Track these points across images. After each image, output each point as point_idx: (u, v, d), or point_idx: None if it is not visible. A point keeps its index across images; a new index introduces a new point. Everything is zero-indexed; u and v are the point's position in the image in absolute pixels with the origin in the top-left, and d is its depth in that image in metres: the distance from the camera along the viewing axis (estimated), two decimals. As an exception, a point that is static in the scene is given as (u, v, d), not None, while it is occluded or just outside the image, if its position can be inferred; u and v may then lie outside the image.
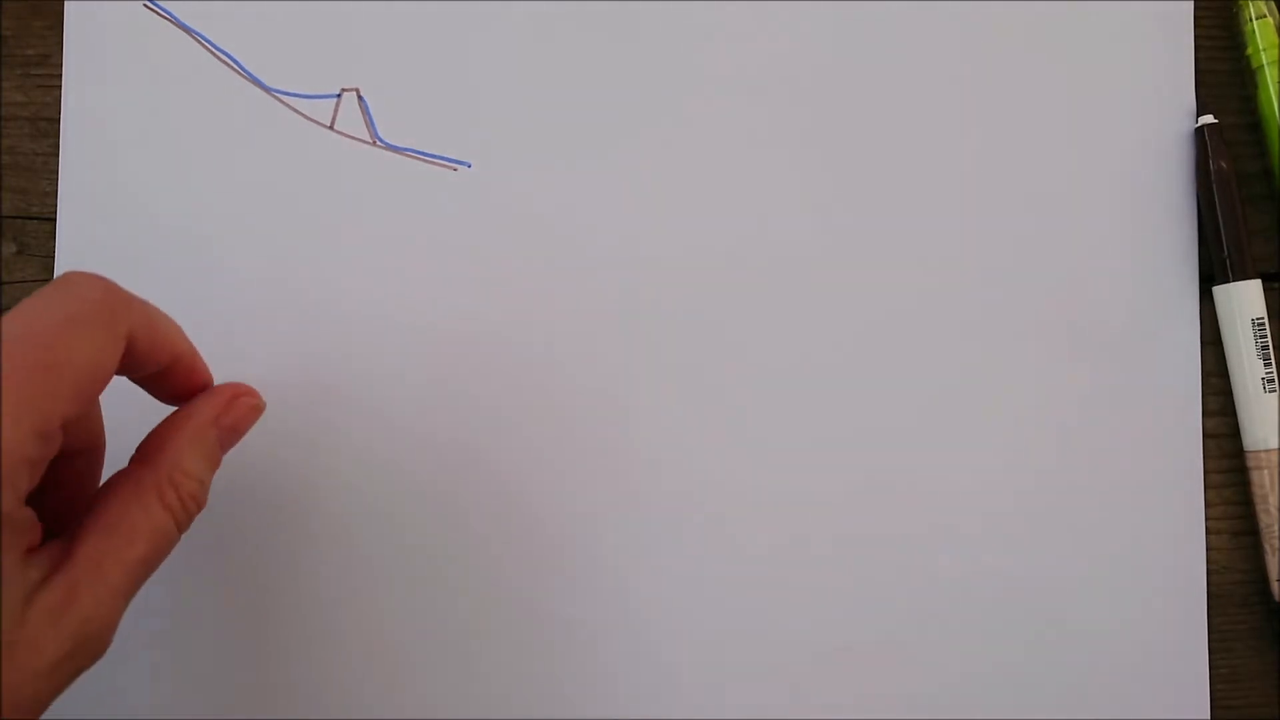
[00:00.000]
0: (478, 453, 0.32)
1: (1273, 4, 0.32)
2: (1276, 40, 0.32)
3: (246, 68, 0.32)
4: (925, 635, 0.32)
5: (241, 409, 0.27)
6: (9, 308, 0.32)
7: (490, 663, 0.31)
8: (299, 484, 0.32)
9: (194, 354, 0.27)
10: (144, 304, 0.25)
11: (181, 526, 0.25)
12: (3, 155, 0.33)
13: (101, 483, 0.26)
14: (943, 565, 0.32)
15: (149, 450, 0.25)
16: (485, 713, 0.31)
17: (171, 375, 0.26)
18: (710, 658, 0.32)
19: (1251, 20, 0.32)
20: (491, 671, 0.31)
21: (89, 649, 0.23)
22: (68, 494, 0.26)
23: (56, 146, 0.32)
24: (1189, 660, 0.32)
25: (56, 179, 0.32)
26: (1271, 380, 0.31)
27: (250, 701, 0.31)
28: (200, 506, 0.26)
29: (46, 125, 0.33)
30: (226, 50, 0.32)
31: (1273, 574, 0.31)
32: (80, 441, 0.25)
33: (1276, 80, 0.32)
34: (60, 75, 0.32)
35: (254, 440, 0.31)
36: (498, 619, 0.32)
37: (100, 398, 0.24)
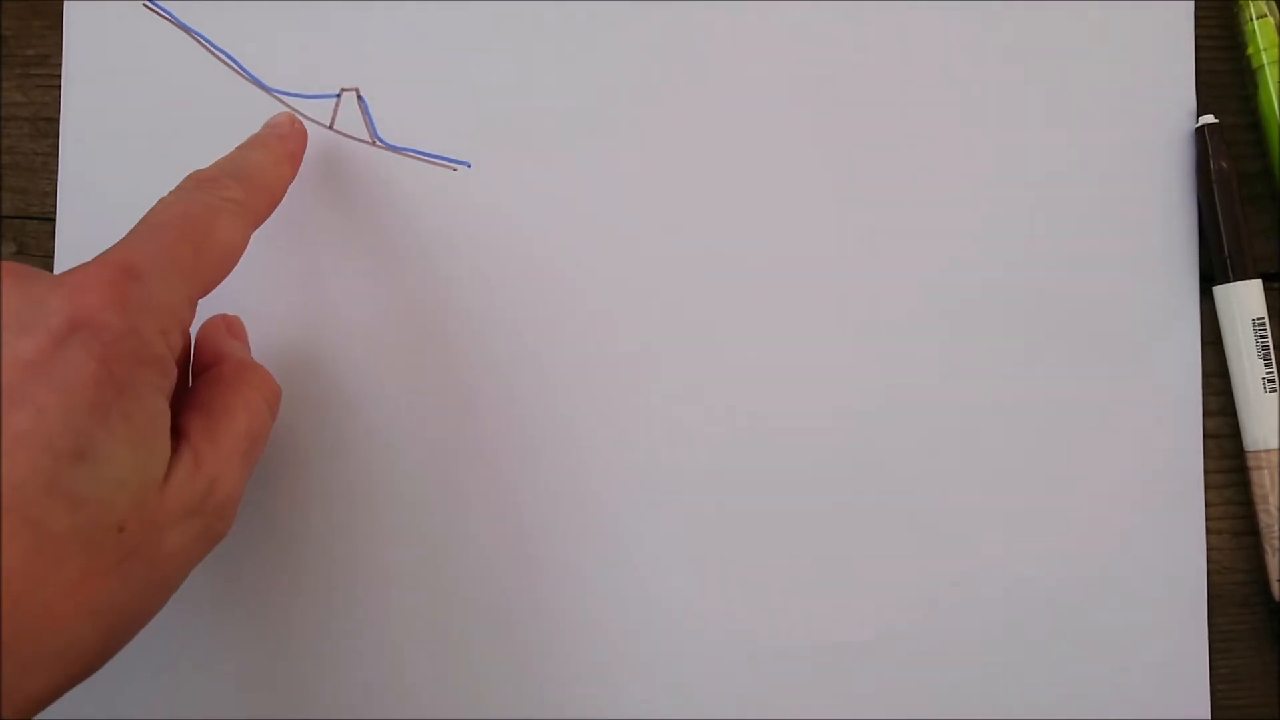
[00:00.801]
0: (478, 452, 0.32)
1: (1273, 4, 0.32)
2: (1276, 40, 0.32)
3: (246, 68, 0.32)
4: (925, 635, 0.32)
5: (233, 319, 0.30)
6: (9, 308, 0.32)
7: (489, 662, 0.31)
8: (297, 483, 0.32)
9: (284, 181, 0.30)
10: (266, 186, 0.29)
11: (271, 405, 0.28)
12: (3, 155, 0.33)
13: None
14: (942, 565, 0.32)
15: (210, 351, 0.29)
16: (483, 713, 0.31)
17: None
18: (709, 658, 0.32)
19: (1251, 20, 0.32)
20: (489, 671, 0.31)
21: (218, 511, 0.25)
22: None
23: (56, 146, 0.32)
24: (1189, 660, 0.32)
25: (56, 179, 0.32)
26: (1272, 380, 0.31)
27: (249, 701, 0.31)
28: (278, 388, 0.28)
29: (46, 125, 0.33)
30: (226, 50, 0.32)
31: (1273, 574, 0.31)
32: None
33: (1276, 80, 0.32)
34: (60, 75, 0.33)
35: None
36: (496, 618, 0.32)
37: None
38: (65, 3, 0.33)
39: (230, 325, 0.30)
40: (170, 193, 0.27)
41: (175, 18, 0.33)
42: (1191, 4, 0.33)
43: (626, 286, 0.32)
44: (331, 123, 0.32)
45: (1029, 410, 0.32)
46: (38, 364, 0.22)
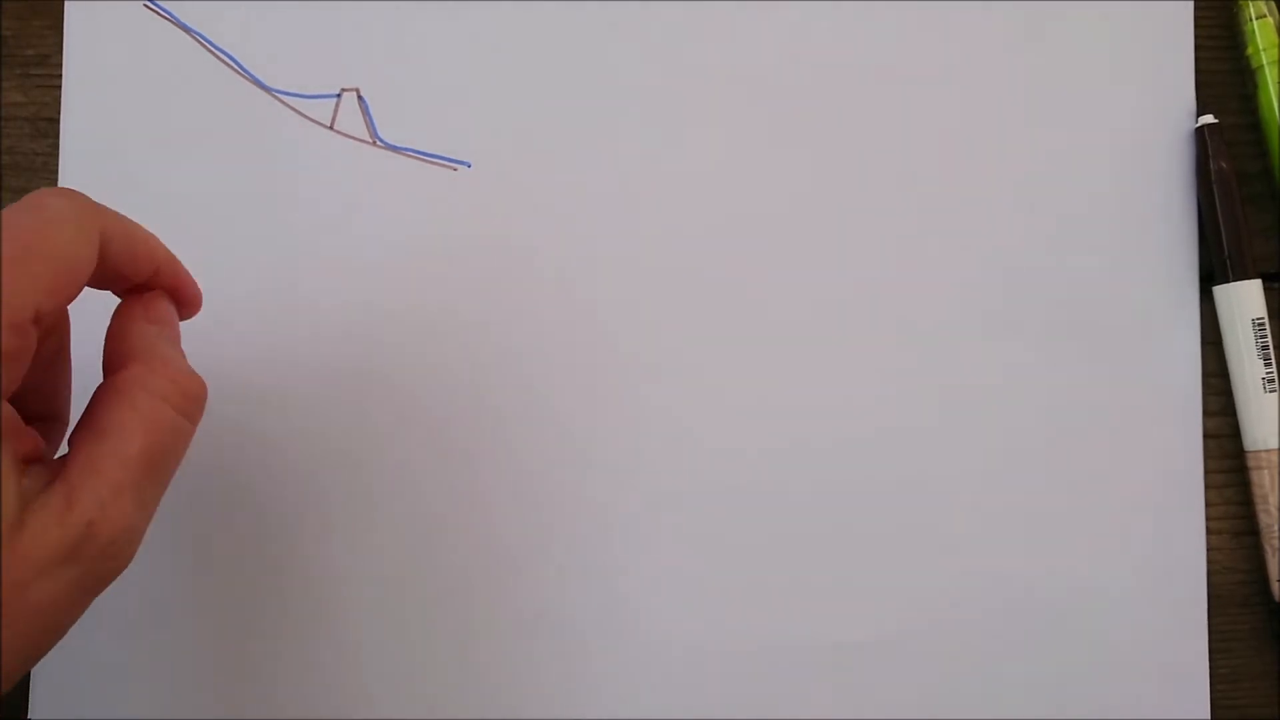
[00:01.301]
0: (478, 451, 0.32)
1: (1273, 4, 0.32)
2: (1276, 40, 0.32)
3: (246, 68, 0.32)
4: (925, 635, 0.32)
5: (186, 282, 0.26)
6: (9, 308, 0.32)
7: (487, 662, 0.31)
8: (295, 483, 0.32)
9: (176, 264, 0.26)
10: (118, 213, 0.24)
11: (186, 411, 0.24)
12: (3, 155, 0.33)
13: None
14: (942, 565, 0.32)
15: (115, 353, 0.24)
16: (484, 713, 0.31)
17: (155, 287, 0.25)
18: (709, 658, 0.32)
19: (1251, 20, 0.32)
20: (487, 671, 0.31)
21: (103, 554, 0.22)
22: (44, 409, 0.25)
23: (56, 146, 0.32)
24: (1189, 660, 0.32)
25: (56, 179, 0.32)
26: (1271, 380, 0.31)
27: (247, 701, 0.31)
28: (201, 387, 0.24)
29: (46, 125, 0.33)
30: (226, 50, 0.32)
31: (1273, 574, 0.31)
32: (49, 350, 0.25)
33: (1276, 80, 0.32)
34: (60, 75, 0.32)
35: (252, 438, 0.31)
36: (495, 618, 0.32)
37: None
38: (65, 3, 0.33)
39: (149, 309, 0.25)
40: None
41: (175, 18, 0.33)
42: (1191, 4, 0.33)
43: (626, 287, 0.32)
44: (331, 123, 0.32)
45: (1029, 410, 0.32)
46: None
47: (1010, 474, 0.32)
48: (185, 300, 0.26)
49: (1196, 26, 0.33)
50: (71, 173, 0.32)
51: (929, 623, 0.32)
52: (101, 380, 0.24)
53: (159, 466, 0.23)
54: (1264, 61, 0.32)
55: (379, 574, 0.31)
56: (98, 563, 0.22)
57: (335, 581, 0.31)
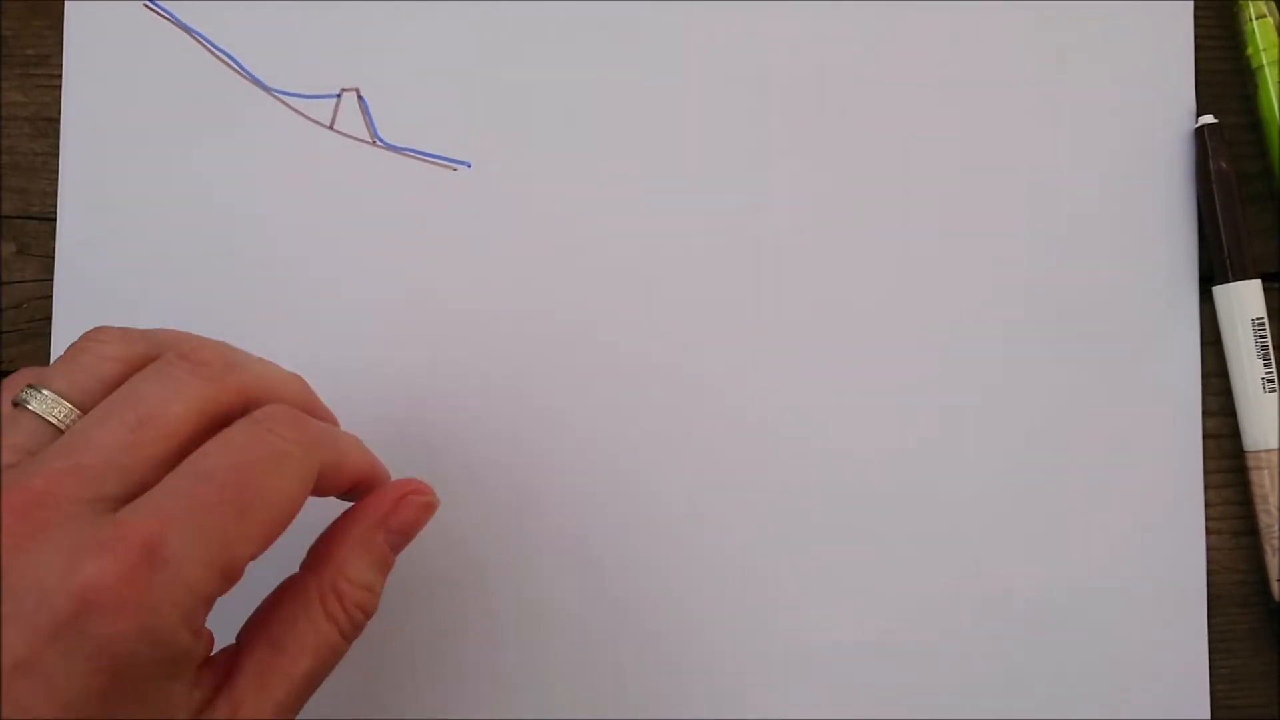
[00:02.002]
0: (477, 451, 0.32)
1: (1273, 4, 0.32)
2: (1276, 40, 0.32)
3: (246, 68, 0.32)
4: (925, 635, 0.32)
5: (411, 509, 0.26)
6: (9, 307, 0.32)
7: (487, 662, 0.31)
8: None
9: (372, 467, 0.26)
10: (334, 437, 0.25)
11: (348, 636, 0.24)
12: (3, 155, 0.33)
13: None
14: (942, 565, 0.32)
15: (316, 557, 0.25)
16: (484, 713, 0.31)
17: (349, 493, 0.26)
18: (708, 658, 0.32)
19: (1251, 20, 0.32)
20: (484, 669, 0.31)
21: None
22: None
23: (56, 146, 0.32)
24: (1189, 660, 0.32)
25: (56, 179, 0.32)
26: (1271, 380, 0.31)
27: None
28: (369, 614, 0.25)
29: (46, 125, 0.33)
30: (226, 50, 0.32)
31: (1273, 574, 0.31)
32: None
33: (1276, 80, 0.32)
34: (60, 75, 0.33)
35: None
36: (494, 619, 0.32)
37: None
38: (65, 3, 0.33)
39: (388, 520, 0.25)
40: (233, 425, 0.23)
41: (175, 18, 0.33)
42: (1191, 4, 0.33)
43: (627, 287, 0.32)
44: (331, 123, 0.32)
45: (1029, 410, 0.32)
46: (32, 666, 0.19)
47: (1010, 474, 0.32)
48: (373, 489, 0.26)
49: (1196, 26, 0.33)
50: (71, 173, 0.32)
51: (929, 623, 0.32)
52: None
53: (314, 685, 0.24)
54: (1264, 61, 0.32)
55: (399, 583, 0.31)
56: None
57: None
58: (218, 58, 0.32)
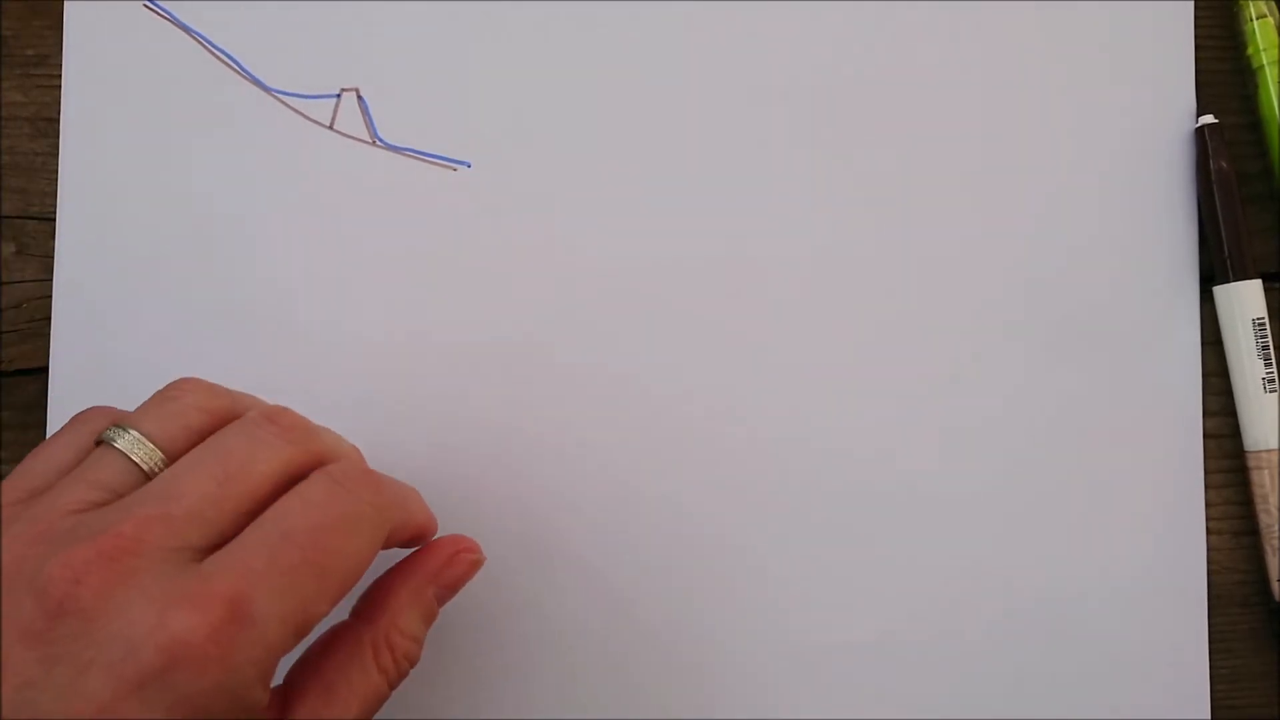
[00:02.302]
0: (477, 451, 0.32)
1: (1273, 4, 0.32)
2: (1276, 40, 0.32)
3: (246, 68, 0.32)
4: (925, 635, 0.32)
5: (461, 565, 0.27)
6: (8, 307, 0.32)
7: (486, 662, 0.31)
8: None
9: (429, 521, 0.27)
10: (404, 499, 0.26)
11: (393, 685, 0.25)
12: (3, 155, 0.33)
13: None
14: (942, 565, 0.32)
15: (368, 607, 0.25)
16: (485, 713, 0.31)
17: (407, 544, 0.27)
18: (709, 658, 0.32)
19: (1251, 20, 0.32)
20: (485, 669, 0.31)
21: None
22: None
23: (56, 146, 0.32)
24: (1189, 660, 0.32)
25: (56, 179, 0.32)
26: (1271, 380, 0.31)
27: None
28: (413, 664, 0.25)
29: (46, 125, 0.33)
30: (226, 50, 0.32)
31: (1273, 574, 0.31)
32: None
33: (1276, 80, 0.32)
34: (60, 75, 0.33)
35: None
36: (493, 619, 0.32)
37: None
38: (65, 3, 0.33)
39: (439, 576, 0.26)
40: (310, 480, 0.23)
41: (175, 18, 0.33)
42: (1191, 4, 0.33)
43: (626, 286, 0.32)
44: (331, 123, 0.32)
45: (1029, 410, 0.32)
46: (112, 712, 0.20)
47: (1010, 474, 0.32)
48: (425, 538, 0.27)
49: (1196, 26, 0.33)
50: (71, 173, 0.32)
51: (929, 623, 0.32)
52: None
53: None
54: (1264, 61, 0.32)
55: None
56: None
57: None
58: (218, 58, 0.32)
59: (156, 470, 0.23)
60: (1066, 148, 0.33)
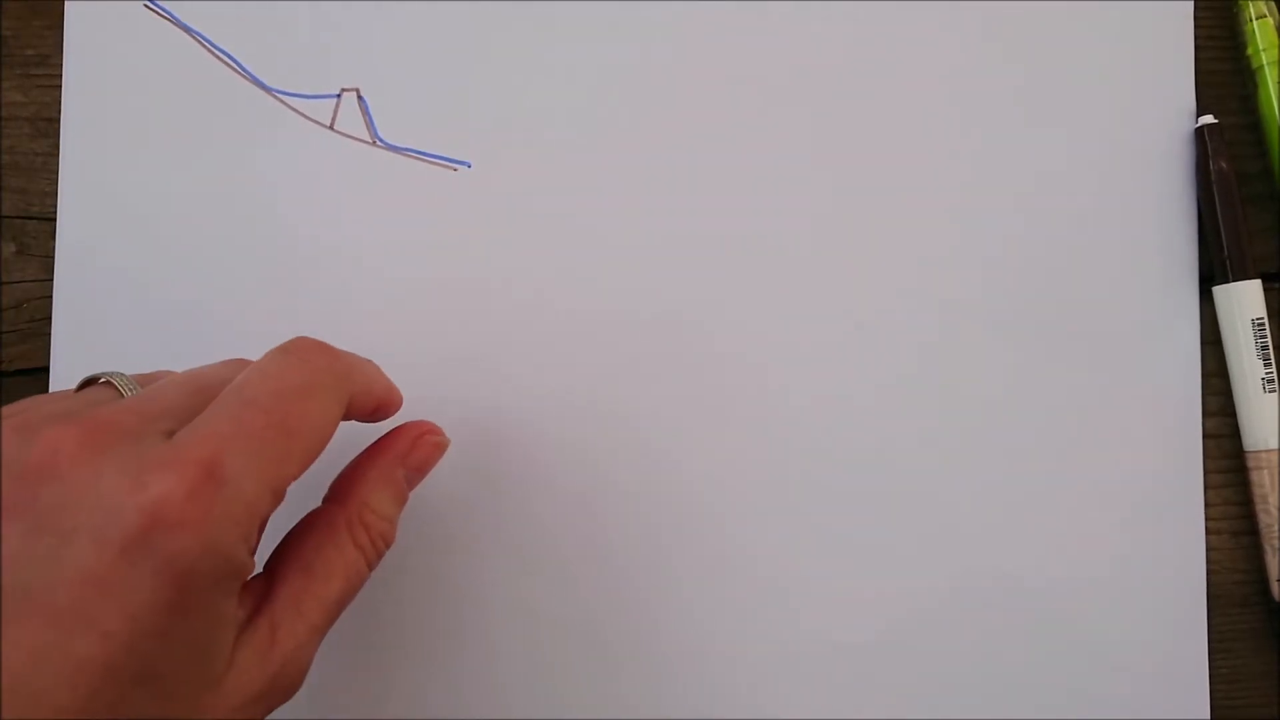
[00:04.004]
0: (477, 451, 0.32)
1: (1273, 4, 0.32)
2: (1276, 40, 0.32)
3: (246, 68, 0.32)
4: (925, 635, 0.32)
5: (426, 447, 0.28)
6: (9, 307, 0.32)
7: (485, 662, 0.31)
8: (299, 488, 0.32)
9: (390, 392, 0.28)
10: (361, 367, 0.26)
11: (371, 564, 0.26)
12: (3, 155, 0.33)
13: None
14: (943, 565, 0.32)
15: (340, 490, 0.26)
16: (487, 712, 0.31)
17: (371, 416, 0.27)
18: (709, 658, 0.32)
19: (1251, 20, 0.32)
20: (485, 671, 0.31)
21: (284, 686, 0.24)
22: None
23: (56, 146, 0.32)
24: (1189, 660, 0.32)
25: (56, 179, 0.32)
26: (1271, 380, 0.31)
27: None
28: (388, 544, 0.26)
29: (46, 125, 0.33)
30: (226, 50, 0.32)
31: (1273, 574, 0.31)
32: None
33: (1276, 80, 0.32)
34: (60, 75, 0.33)
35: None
36: (493, 619, 0.32)
37: None
38: (65, 3, 0.33)
39: (408, 458, 0.27)
40: (266, 356, 0.24)
41: (175, 18, 0.33)
42: (1191, 4, 0.33)
43: (626, 286, 0.32)
44: (331, 123, 0.32)
45: (1029, 410, 0.32)
46: (104, 580, 0.20)
47: (1010, 474, 0.32)
48: (390, 410, 0.28)
49: (1196, 26, 0.33)
50: (71, 173, 0.32)
51: (929, 623, 0.32)
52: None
53: (341, 609, 0.25)
54: (1264, 61, 0.32)
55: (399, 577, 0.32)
56: (277, 696, 0.24)
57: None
58: (218, 58, 0.32)
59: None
60: (1067, 148, 0.33)
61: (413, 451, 0.27)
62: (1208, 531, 0.32)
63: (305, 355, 0.24)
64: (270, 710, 0.24)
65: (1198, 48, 0.33)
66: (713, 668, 0.32)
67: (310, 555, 0.25)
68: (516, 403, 0.32)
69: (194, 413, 0.23)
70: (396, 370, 0.32)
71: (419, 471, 0.28)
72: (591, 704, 0.31)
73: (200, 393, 0.23)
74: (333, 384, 0.24)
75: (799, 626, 0.32)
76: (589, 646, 0.32)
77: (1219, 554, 0.32)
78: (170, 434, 0.22)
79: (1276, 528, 0.31)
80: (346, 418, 0.26)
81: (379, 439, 0.27)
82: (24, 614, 0.20)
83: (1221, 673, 0.32)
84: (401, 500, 0.27)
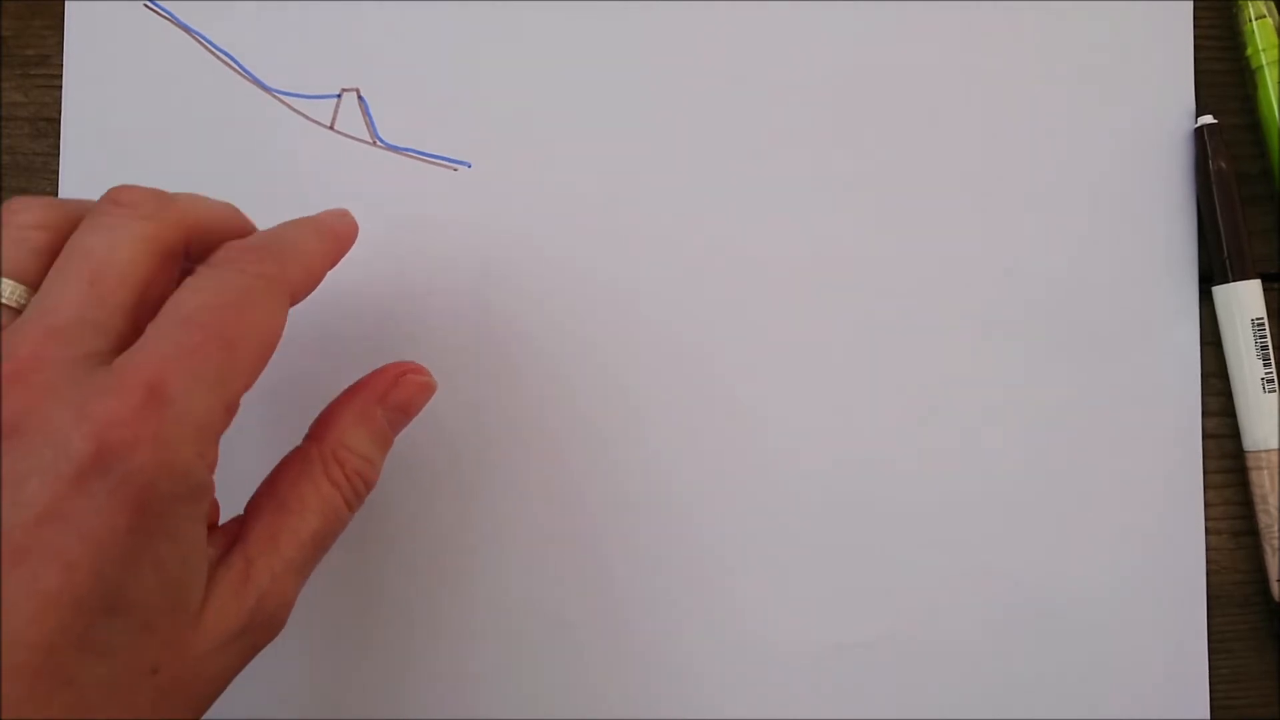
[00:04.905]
0: (472, 448, 0.32)
1: (1272, 4, 0.32)
2: (1276, 40, 0.32)
3: (246, 68, 0.32)
4: (925, 635, 0.32)
5: (409, 387, 0.27)
6: (9, 308, 0.32)
7: (484, 662, 0.31)
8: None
9: (331, 254, 0.26)
10: (294, 251, 0.25)
11: (350, 504, 0.25)
12: (3, 155, 0.33)
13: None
14: (941, 565, 0.32)
15: (317, 428, 0.26)
16: (490, 712, 0.31)
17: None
18: (709, 658, 0.32)
19: (1251, 20, 0.32)
20: (483, 671, 0.31)
21: (266, 625, 0.23)
22: None
23: (56, 146, 0.32)
24: (1189, 660, 0.32)
25: (56, 179, 0.32)
26: (1271, 380, 0.31)
27: (239, 699, 0.31)
28: (369, 485, 0.26)
29: (46, 125, 0.33)
30: (226, 50, 0.32)
31: (1273, 574, 0.31)
32: None
33: (1276, 80, 0.32)
34: (60, 75, 0.33)
35: (249, 439, 0.31)
36: (492, 619, 0.32)
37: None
38: (65, 3, 0.33)
39: (386, 398, 0.27)
40: (195, 273, 0.23)
41: (175, 18, 0.33)
42: (1191, 4, 0.33)
43: (626, 286, 0.32)
44: (331, 123, 0.32)
45: (1029, 410, 0.32)
46: (60, 512, 0.20)
47: (1010, 474, 0.32)
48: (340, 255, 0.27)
49: (1196, 26, 0.33)
50: (71, 173, 0.32)
51: (928, 623, 0.32)
52: None
53: (321, 548, 0.25)
54: (1264, 61, 0.32)
55: (376, 575, 0.31)
56: (259, 633, 0.23)
57: (330, 581, 0.31)
58: (218, 58, 0.32)
59: (23, 301, 0.23)
60: (1066, 148, 0.33)
61: (393, 391, 0.27)
62: (1208, 531, 0.32)
63: (237, 264, 0.23)
64: (254, 650, 0.24)
65: (1197, 48, 0.33)
66: (711, 668, 0.32)
67: (285, 491, 0.25)
68: (513, 402, 0.32)
69: (109, 313, 0.22)
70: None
71: (401, 412, 0.27)
72: (588, 704, 0.31)
73: (99, 279, 0.22)
74: (268, 287, 0.23)
75: (799, 626, 0.32)
76: (585, 647, 0.32)
77: (1219, 554, 0.32)
78: (104, 355, 0.21)
79: (1276, 528, 0.31)
80: (296, 303, 0.25)
81: (362, 379, 0.27)
82: None
83: (1221, 673, 0.32)
84: (381, 440, 0.26)
